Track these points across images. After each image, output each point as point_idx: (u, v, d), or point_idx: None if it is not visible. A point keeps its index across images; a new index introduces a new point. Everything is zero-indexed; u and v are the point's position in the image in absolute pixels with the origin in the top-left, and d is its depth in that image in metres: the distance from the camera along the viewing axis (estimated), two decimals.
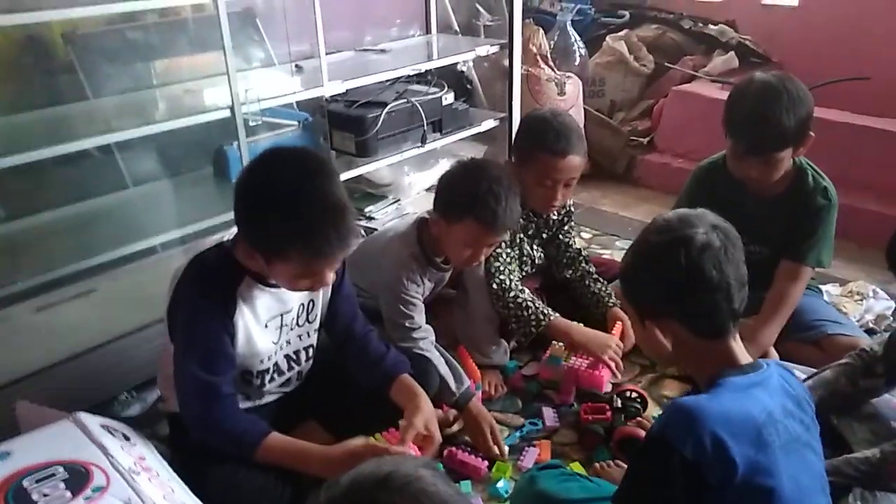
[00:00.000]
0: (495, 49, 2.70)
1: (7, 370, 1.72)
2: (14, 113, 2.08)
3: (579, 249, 2.22)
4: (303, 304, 1.57)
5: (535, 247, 2.14)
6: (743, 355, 1.15)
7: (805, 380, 1.59)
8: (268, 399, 1.63)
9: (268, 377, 1.56)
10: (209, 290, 1.40)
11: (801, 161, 1.88)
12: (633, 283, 1.23)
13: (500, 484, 1.62)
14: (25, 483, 1.05)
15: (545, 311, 1.94)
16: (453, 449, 1.69)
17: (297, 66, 2.37)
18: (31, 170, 1.96)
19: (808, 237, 1.91)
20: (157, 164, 2.24)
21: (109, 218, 2.14)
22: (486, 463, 1.67)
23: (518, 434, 1.81)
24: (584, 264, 2.18)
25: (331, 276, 1.41)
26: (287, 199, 1.29)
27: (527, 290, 1.98)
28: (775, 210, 1.91)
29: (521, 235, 2.08)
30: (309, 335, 1.62)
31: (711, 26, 3.69)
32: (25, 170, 1.94)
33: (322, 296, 1.61)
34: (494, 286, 1.95)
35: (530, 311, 1.93)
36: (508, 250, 2.01)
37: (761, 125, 1.74)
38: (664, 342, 1.17)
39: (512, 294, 1.95)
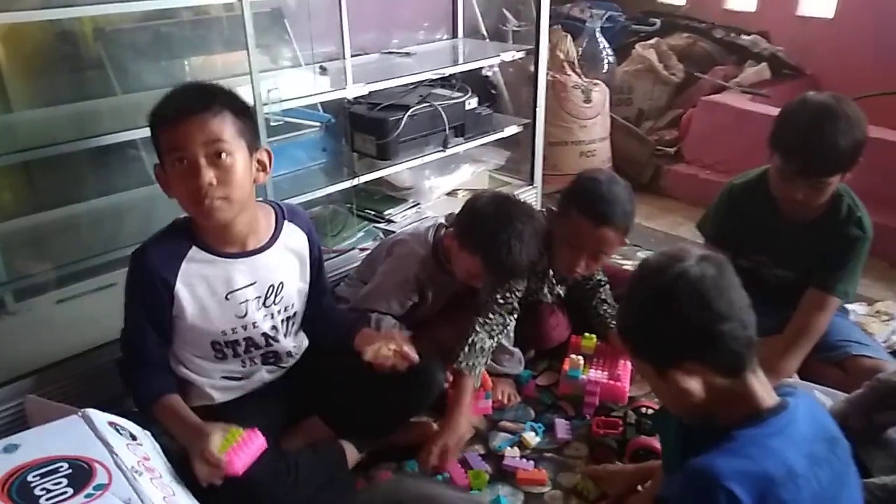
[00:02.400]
0: (521, 55, 2.68)
1: (26, 361, 1.74)
2: (43, 106, 2.11)
3: (601, 280, 2.13)
4: (272, 286, 1.56)
5: (557, 287, 2.08)
6: (766, 394, 1.11)
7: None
8: (263, 376, 1.63)
9: (241, 348, 1.57)
10: (155, 243, 1.48)
11: (840, 187, 1.82)
12: (644, 336, 1.16)
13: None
14: (29, 477, 1.06)
15: (477, 372, 1.76)
16: (451, 461, 1.67)
17: (321, 67, 2.38)
18: (58, 163, 2.00)
19: (838, 267, 1.85)
20: None
21: (132, 213, 2.15)
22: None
23: (513, 438, 1.80)
24: (600, 295, 2.11)
25: (207, 174, 1.35)
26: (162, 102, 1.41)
27: (502, 341, 1.89)
28: (806, 236, 1.85)
29: (547, 280, 2.02)
30: (274, 317, 1.59)
31: (744, 36, 3.63)
32: (52, 163, 1.98)
33: (294, 280, 1.61)
34: (467, 337, 1.80)
35: (478, 361, 1.77)
36: (514, 302, 1.87)
37: (816, 148, 1.68)
38: (692, 388, 1.10)
39: (478, 336, 1.79)
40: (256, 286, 1.53)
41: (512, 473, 1.68)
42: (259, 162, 1.47)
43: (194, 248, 1.47)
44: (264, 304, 1.56)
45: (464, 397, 1.70)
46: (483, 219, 1.78)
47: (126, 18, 2.24)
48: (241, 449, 1.33)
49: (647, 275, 1.16)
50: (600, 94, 3.21)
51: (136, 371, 1.50)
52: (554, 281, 2.04)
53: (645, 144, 3.37)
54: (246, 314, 1.53)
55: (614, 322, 2.05)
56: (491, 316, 1.82)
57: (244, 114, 1.44)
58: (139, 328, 1.48)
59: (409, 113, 2.31)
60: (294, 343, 1.67)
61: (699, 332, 1.08)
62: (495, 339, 1.83)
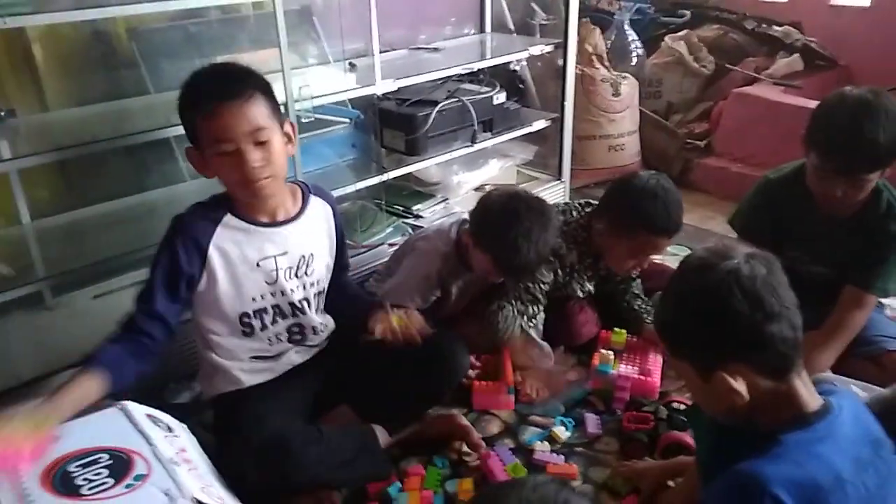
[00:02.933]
0: (549, 48, 2.67)
1: (64, 354, 1.78)
2: (79, 105, 2.15)
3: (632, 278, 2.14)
4: (303, 256, 1.60)
5: (588, 283, 2.08)
6: (810, 396, 1.08)
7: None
8: (292, 357, 1.66)
9: (268, 318, 1.59)
10: (192, 214, 1.52)
11: (879, 182, 1.78)
12: (689, 336, 1.10)
13: None
14: (70, 467, 1.08)
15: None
16: (489, 453, 1.69)
17: (350, 63, 2.39)
18: (94, 160, 2.04)
19: (877, 264, 1.82)
20: None
21: (167, 209, 2.17)
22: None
23: (543, 433, 1.80)
24: (633, 290, 2.12)
25: (254, 155, 1.42)
26: (187, 87, 1.47)
27: (528, 330, 1.95)
28: (844, 232, 1.82)
29: (576, 275, 2.03)
30: (306, 288, 1.62)
31: (776, 27, 3.58)
32: (88, 160, 2.03)
33: (324, 253, 1.65)
34: (495, 306, 1.92)
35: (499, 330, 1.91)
36: (520, 305, 1.93)
37: (856, 145, 1.65)
38: (738, 390, 1.06)
39: (499, 324, 1.91)
40: (288, 256, 1.58)
41: (542, 468, 1.68)
42: (286, 135, 1.52)
43: (229, 215, 1.52)
44: (296, 274, 1.60)
45: (511, 354, 1.86)
46: (492, 217, 1.78)
47: (158, 18, 2.28)
48: None
49: (693, 273, 1.11)
50: (629, 87, 3.18)
51: (117, 331, 1.47)
52: (585, 276, 2.03)
53: (674, 138, 3.34)
54: (276, 281, 1.57)
55: (649, 317, 2.04)
56: (512, 301, 1.86)
57: (271, 92, 1.49)
58: (150, 293, 1.48)
59: (437, 108, 2.32)
60: (321, 319, 1.69)
61: (749, 332, 1.04)
62: (520, 318, 1.89)
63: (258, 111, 1.43)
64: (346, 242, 1.76)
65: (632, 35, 3.47)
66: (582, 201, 2.07)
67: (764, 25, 3.61)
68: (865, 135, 1.63)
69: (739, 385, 1.05)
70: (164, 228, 2.07)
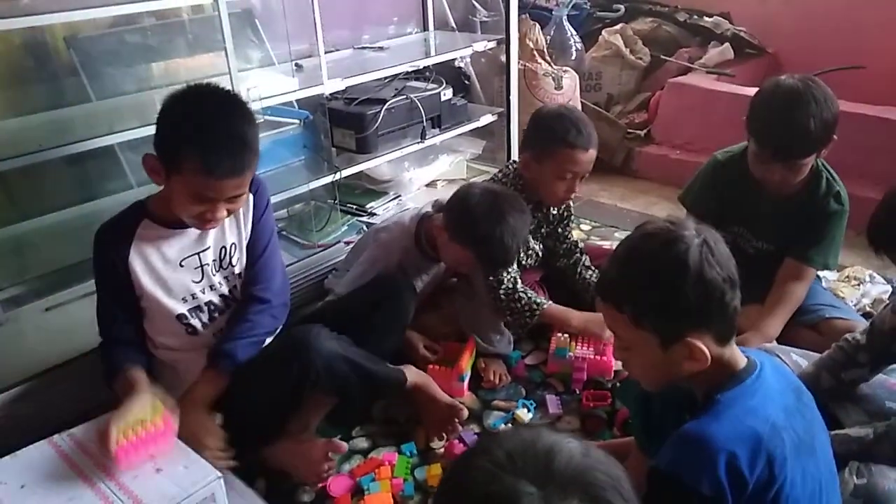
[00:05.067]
0: (492, 45, 2.72)
1: (17, 369, 1.75)
2: (19, 115, 2.10)
3: (576, 241, 2.26)
4: (224, 247, 1.62)
5: (537, 241, 2.16)
6: (739, 356, 1.14)
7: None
8: None
9: (205, 315, 1.62)
10: (104, 233, 1.54)
11: (818, 162, 1.88)
12: (655, 307, 1.10)
13: None
14: None
15: (538, 301, 1.97)
16: (454, 442, 1.73)
17: (296, 64, 2.40)
18: (37, 171, 2.00)
19: (817, 241, 1.93)
20: None
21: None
22: None
23: (507, 416, 1.84)
24: (578, 254, 2.22)
25: (222, 213, 1.46)
26: (191, 116, 1.42)
27: (519, 283, 1.99)
28: (787, 210, 1.92)
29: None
30: (230, 279, 1.65)
31: (706, 18, 3.72)
32: (31, 171, 1.98)
33: (244, 241, 1.66)
34: (491, 278, 1.97)
35: (523, 302, 1.96)
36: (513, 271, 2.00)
37: (789, 132, 1.74)
38: (703, 356, 1.08)
39: (503, 287, 1.96)
40: (211, 250, 1.60)
41: None
42: None
43: (145, 220, 1.53)
44: (221, 266, 1.62)
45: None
46: (477, 216, 1.81)
47: (96, 26, 2.24)
48: (137, 445, 1.29)
49: (657, 245, 1.11)
50: (570, 80, 3.26)
51: (106, 348, 1.54)
52: (531, 240, 2.13)
53: (616, 128, 3.43)
54: (202, 278, 1.60)
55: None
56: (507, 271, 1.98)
57: (258, 142, 1.49)
58: (106, 306, 1.55)
59: (386, 106, 2.35)
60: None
61: (717, 300, 1.07)
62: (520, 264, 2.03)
63: (249, 178, 1.48)
64: (267, 223, 1.70)
65: (570, 30, 3.56)
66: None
67: (695, 17, 3.75)
68: (796, 123, 1.72)
69: (703, 351, 1.09)
70: None
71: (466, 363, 1.91)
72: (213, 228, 1.55)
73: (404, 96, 2.41)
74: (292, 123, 2.36)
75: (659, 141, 3.44)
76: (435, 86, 2.53)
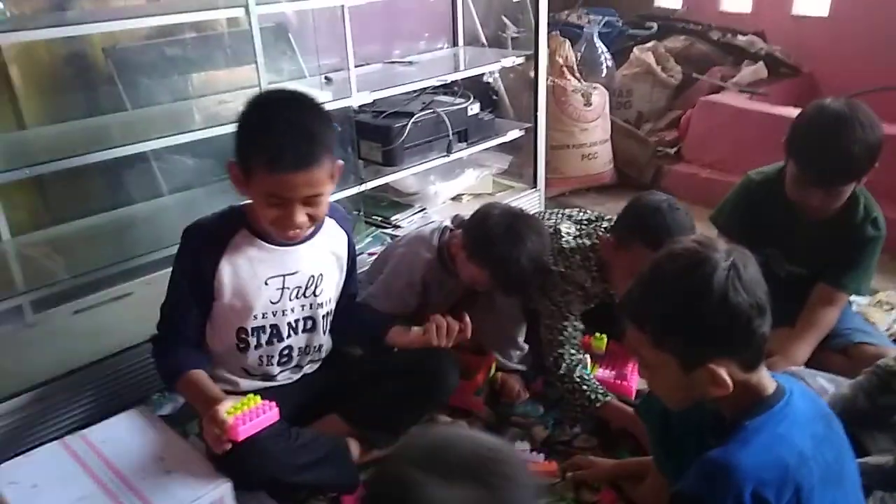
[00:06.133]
0: (521, 60, 2.73)
1: (45, 370, 1.79)
2: (57, 122, 2.17)
3: None
4: (312, 276, 1.61)
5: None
6: (769, 381, 1.11)
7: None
8: (280, 380, 1.67)
9: (264, 337, 1.60)
10: (203, 225, 1.53)
11: (857, 188, 1.84)
12: (676, 330, 1.08)
13: None
14: None
15: (600, 392, 1.81)
16: None
17: (326, 77, 2.44)
18: (73, 177, 2.06)
19: (851, 266, 1.89)
20: (191, 172, 2.31)
21: (146, 224, 2.21)
22: None
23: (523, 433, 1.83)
24: None
25: (301, 216, 1.43)
26: (263, 117, 1.41)
27: (579, 369, 1.85)
28: (822, 234, 1.88)
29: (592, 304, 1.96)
30: (312, 307, 1.64)
31: (740, 37, 3.68)
32: (66, 176, 2.04)
33: (334, 276, 1.66)
34: (551, 359, 1.87)
35: (577, 394, 1.82)
36: (576, 323, 1.90)
37: (833, 158, 1.71)
38: (724, 384, 1.06)
39: (563, 370, 1.84)
40: (298, 276, 1.58)
41: None
42: (332, 176, 1.49)
43: (244, 230, 1.52)
44: (303, 293, 1.61)
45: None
46: (494, 237, 1.80)
47: (134, 37, 2.31)
48: (249, 416, 1.35)
49: (683, 266, 1.08)
50: (600, 97, 3.25)
51: (169, 347, 1.54)
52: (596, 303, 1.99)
53: (645, 146, 3.41)
54: (279, 300, 1.57)
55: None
56: (566, 348, 1.87)
57: (334, 141, 1.47)
58: (178, 303, 1.54)
59: (413, 120, 2.36)
60: (324, 340, 1.71)
61: (742, 327, 1.04)
62: (578, 355, 1.88)
63: (321, 175, 1.42)
64: (356, 267, 1.75)
65: (601, 47, 3.56)
66: (609, 235, 1.92)
67: (728, 35, 3.71)
68: (841, 149, 1.68)
69: (725, 378, 1.06)
70: (145, 242, 2.12)
71: (483, 377, 1.91)
72: (295, 238, 1.50)
73: (431, 110, 2.43)
74: None
75: (689, 159, 3.40)
76: (462, 100, 2.55)
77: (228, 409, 1.34)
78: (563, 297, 1.89)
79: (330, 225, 1.63)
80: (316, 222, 1.50)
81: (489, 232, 1.82)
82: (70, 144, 1.94)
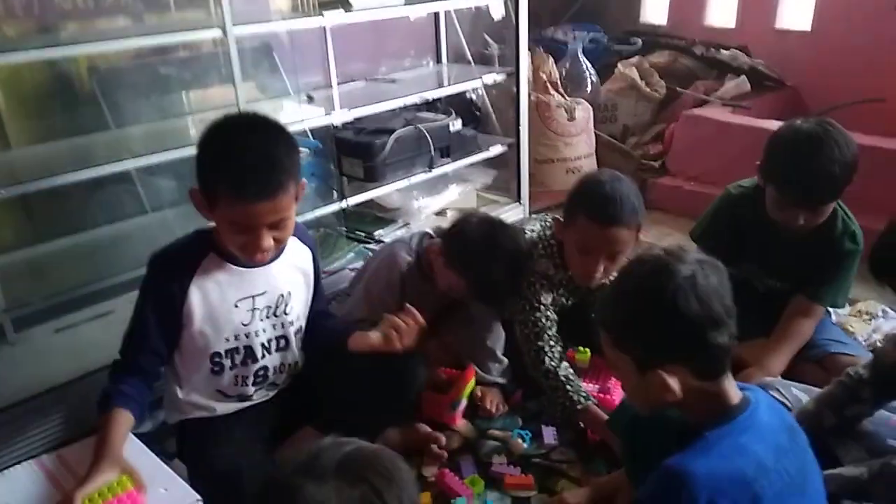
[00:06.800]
0: (503, 77, 2.76)
1: (23, 388, 1.79)
2: (41, 141, 2.20)
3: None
4: (281, 295, 1.60)
5: (568, 298, 2.02)
6: (734, 392, 1.12)
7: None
8: (257, 398, 1.67)
9: (238, 358, 1.58)
10: (168, 254, 1.51)
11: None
12: (633, 333, 1.12)
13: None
14: None
15: (581, 395, 1.79)
16: (445, 470, 1.72)
17: (308, 95, 2.46)
18: (54, 196, 2.07)
19: (829, 279, 1.91)
20: (173, 191, 2.33)
21: (128, 242, 2.23)
22: (471, 490, 1.68)
23: (501, 446, 1.83)
24: None
25: (267, 241, 1.42)
26: (224, 143, 1.39)
27: (563, 367, 1.83)
28: (801, 248, 1.89)
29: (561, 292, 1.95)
30: (284, 326, 1.63)
31: (724, 51, 3.72)
32: (48, 196, 2.05)
33: (301, 292, 1.66)
34: (532, 354, 1.86)
35: (560, 392, 1.80)
36: (548, 314, 1.87)
37: (813, 180, 1.72)
38: (673, 390, 1.09)
39: (547, 365, 1.82)
40: (267, 295, 1.57)
41: (500, 479, 1.72)
42: (296, 197, 1.48)
43: (212, 254, 1.51)
44: (274, 313, 1.60)
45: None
46: (471, 245, 1.82)
47: (119, 56, 2.34)
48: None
49: (644, 272, 1.12)
50: (584, 112, 3.29)
51: (119, 374, 1.50)
52: (566, 294, 1.98)
53: (629, 159, 3.44)
54: (250, 322, 1.57)
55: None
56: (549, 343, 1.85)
57: (298, 167, 1.45)
58: (139, 333, 1.50)
59: (394, 136, 2.39)
60: (297, 357, 1.70)
61: (694, 338, 1.07)
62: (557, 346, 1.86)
63: (286, 201, 1.41)
64: (321, 282, 1.75)
65: (586, 63, 3.59)
66: (560, 217, 1.91)
67: (712, 50, 3.76)
68: (821, 169, 1.70)
69: (674, 383, 1.09)
70: (127, 261, 2.13)
71: (461, 391, 1.91)
72: (262, 260, 1.49)
73: (413, 126, 2.46)
74: (303, 152, 2.41)
75: (673, 172, 3.43)
76: (444, 116, 2.57)
77: (89, 495, 1.26)
78: (529, 289, 1.88)
79: (292, 242, 1.61)
80: (281, 244, 1.50)
81: (467, 239, 1.84)
82: (54, 163, 1.95)
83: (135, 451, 1.45)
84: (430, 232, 2.04)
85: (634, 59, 3.75)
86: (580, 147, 3.28)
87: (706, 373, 1.10)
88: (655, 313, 1.08)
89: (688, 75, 3.75)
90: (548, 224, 1.97)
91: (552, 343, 1.85)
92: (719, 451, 1.06)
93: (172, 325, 1.51)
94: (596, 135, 3.40)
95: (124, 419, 1.42)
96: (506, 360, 2.03)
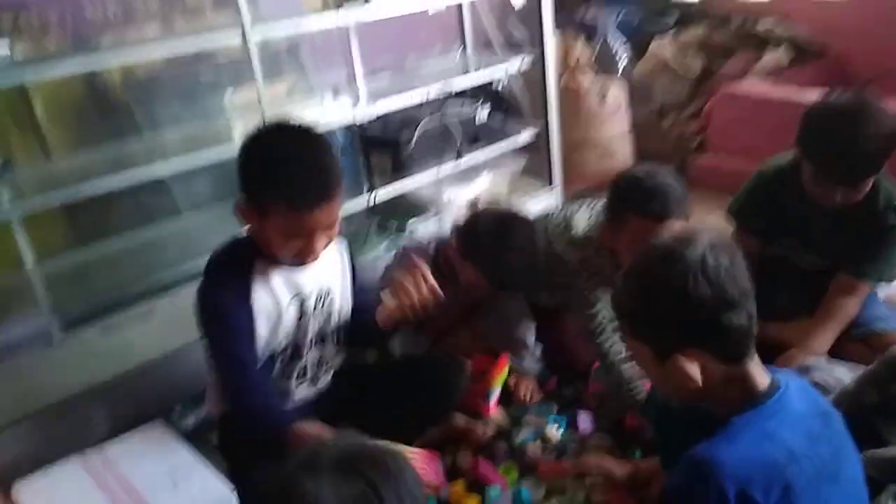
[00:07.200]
0: (529, 62, 2.73)
1: (69, 387, 1.86)
2: (78, 151, 2.27)
3: None
4: (322, 290, 1.60)
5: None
6: (761, 377, 1.10)
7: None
8: (300, 395, 1.68)
9: (287, 355, 1.59)
10: (219, 278, 1.48)
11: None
12: (648, 320, 1.11)
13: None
14: None
15: (640, 391, 1.76)
16: (479, 459, 1.73)
17: (335, 90, 2.48)
18: (95, 202, 2.12)
19: (873, 255, 1.84)
20: (207, 191, 2.38)
21: (166, 243, 2.29)
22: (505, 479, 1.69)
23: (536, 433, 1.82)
24: None
25: (320, 245, 1.43)
26: (272, 154, 1.38)
27: (627, 370, 1.79)
28: (840, 223, 1.83)
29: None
30: (326, 321, 1.64)
31: (762, 24, 3.60)
32: (89, 202, 2.11)
33: (342, 286, 1.66)
34: (596, 346, 1.82)
35: (631, 390, 1.76)
36: (605, 312, 1.83)
37: (851, 157, 1.67)
38: (693, 376, 1.07)
39: (611, 358, 1.79)
40: (311, 293, 1.58)
41: (535, 467, 1.71)
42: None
43: (258, 258, 1.49)
44: (319, 309, 1.60)
45: None
46: (484, 238, 1.82)
47: (154, 64, 2.39)
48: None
49: (656, 258, 1.10)
50: (617, 92, 3.23)
51: (254, 409, 1.48)
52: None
53: (666, 138, 3.37)
54: (300, 321, 1.57)
55: None
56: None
57: (340, 169, 1.45)
58: (238, 367, 1.47)
59: (419, 128, 2.39)
60: (337, 354, 1.71)
61: (709, 321, 1.05)
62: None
63: (338, 205, 1.43)
64: (356, 275, 1.73)
65: (618, 42, 3.52)
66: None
67: (749, 23, 3.64)
68: (857, 146, 1.65)
69: (693, 369, 1.06)
70: (166, 261, 2.19)
71: (495, 380, 1.91)
72: (311, 263, 1.48)
73: (438, 117, 2.45)
74: None
75: (713, 150, 3.34)
76: (470, 106, 2.55)
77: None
78: (586, 285, 1.84)
79: None
80: (329, 243, 1.49)
81: (479, 233, 1.84)
82: (92, 170, 2.01)
83: (177, 446, 1.50)
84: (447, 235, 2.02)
85: (669, 36, 3.66)
86: (614, 128, 3.22)
87: (726, 355, 1.07)
88: (667, 300, 1.06)
89: (725, 50, 3.64)
90: (599, 219, 1.92)
91: (614, 339, 1.80)
92: (747, 438, 1.03)
93: (251, 336, 1.49)
94: (631, 115, 3.33)
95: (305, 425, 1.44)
96: (538, 349, 2.01)
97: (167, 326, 2.11)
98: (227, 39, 2.05)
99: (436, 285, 1.57)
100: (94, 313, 2.11)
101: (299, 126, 1.47)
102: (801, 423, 1.07)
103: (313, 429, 1.43)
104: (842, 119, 1.68)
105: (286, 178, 1.36)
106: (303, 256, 1.45)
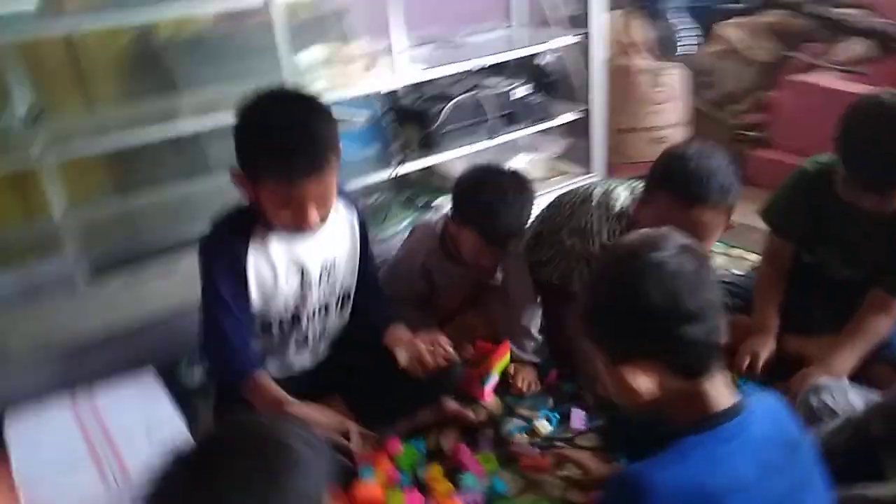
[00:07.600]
0: (576, 40, 2.63)
1: (92, 331, 1.95)
2: (120, 105, 2.33)
3: None
4: (327, 261, 1.61)
5: None
6: (722, 397, 1.02)
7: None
8: (298, 365, 1.71)
9: (286, 326, 1.62)
10: (217, 237, 1.52)
11: None
12: (600, 323, 1.05)
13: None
14: None
15: None
16: (461, 445, 1.71)
17: (371, 60, 2.45)
18: (126, 155, 2.20)
19: None
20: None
21: (194, 201, 2.34)
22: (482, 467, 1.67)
23: (526, 426, 1.79)
24: None
25: (314, 215, 1.42)
26: (261, 124, 1.38)
27: None
28: (878, 234, 1.71)
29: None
30: (329, 293, 1.65)
31: (844, 9, 3.33)
32: (122, 155, 2.18)
33: (348, 257, 1.66)
34: None
35: None
36: None
37: (882, 164, 1.55)
38: (639, 389, 1.01)
39: None
40: (313, 264, 1.59)
41: (516, 459, 1.68)
42: (337, 168, 1.48)
43: (257, 226, 1.51)
44: (321, 280, 1.62)
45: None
46: (464, 189, 1.80)
47: (196, 21, 2.43)
48: None
49: (618, 260, 1.05)
50: (673, 77, 3.07)
51: (225, 350, 1.53)
52: None
53: (724, 129, 3.19)
54: (300, 290, 1.58)
55: None
56: None
57: (337, 138, 1.44)
58: (220, 309, 1.51)
59: (452, 103, 2.34)
60: (339, 325, 1.73)
61: (660, 330, 0.99)
62: None
63: (330, 175, 1.42)
64: (370, 247, 1.73)
65: (683, 24, 3.34)
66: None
67: (830, 8, 3.37)
68: (889, 153, 1.53)
69: (641, 382, 1.01)
70: (194, 218, 2.24)
71: (493, 367, 1.88)
72: (310, 232, 1.48)
73: (473, 93, 2.39)
74: (359, 118, 2.42)
75: (775, 144, 3.15)
76: (508, 82, 2.49)
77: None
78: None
79: (338, 205, 1.58)
80: (327, 214, 1.48)
81: (461, 188, 1.82)
82: (129, 123, 2.05)
83: (161, 402, 1.54)
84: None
85: (741, 19, 3.44)
86: (667, 115, 3.08)
87: (682, 369, 1.01)
88: (617, 302, 1.01)
89: (800, 36, 3.40)
90: (637, 196, 1.82)
91: None
92: (693, 460, 0.97)
93: (243, 298, 1.52)
94: (690, 103, 3.17)
95: (269, 379, 1.53)
96: (541, 338, 1.97)
97: (190, 282, 2.16)
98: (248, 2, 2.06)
99: (453, 353, 1.60)
100: (120, 264, 2.19)
101: (297, 94, 1.46)
102: (759, 452, 1.00)
103: (272, 388, 1.48)
104: (882, 119, 1.54)
105: (276, 148, 1.36)
106: (297, 226, 1.45)
